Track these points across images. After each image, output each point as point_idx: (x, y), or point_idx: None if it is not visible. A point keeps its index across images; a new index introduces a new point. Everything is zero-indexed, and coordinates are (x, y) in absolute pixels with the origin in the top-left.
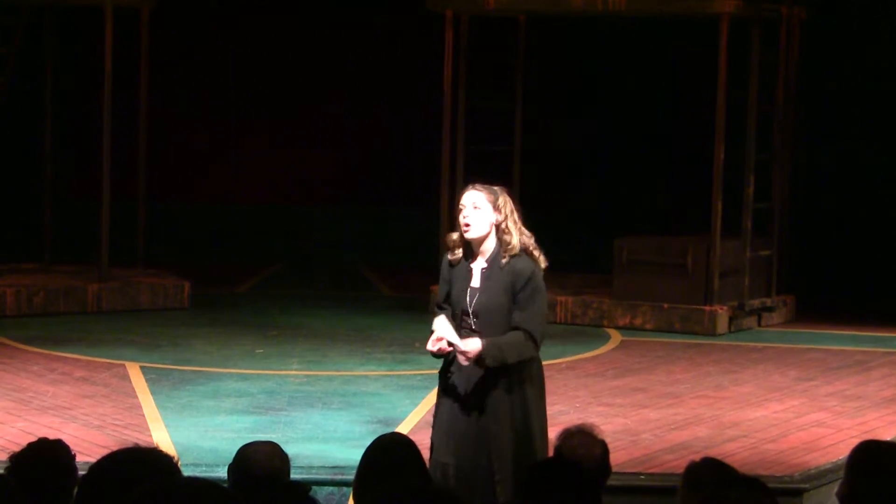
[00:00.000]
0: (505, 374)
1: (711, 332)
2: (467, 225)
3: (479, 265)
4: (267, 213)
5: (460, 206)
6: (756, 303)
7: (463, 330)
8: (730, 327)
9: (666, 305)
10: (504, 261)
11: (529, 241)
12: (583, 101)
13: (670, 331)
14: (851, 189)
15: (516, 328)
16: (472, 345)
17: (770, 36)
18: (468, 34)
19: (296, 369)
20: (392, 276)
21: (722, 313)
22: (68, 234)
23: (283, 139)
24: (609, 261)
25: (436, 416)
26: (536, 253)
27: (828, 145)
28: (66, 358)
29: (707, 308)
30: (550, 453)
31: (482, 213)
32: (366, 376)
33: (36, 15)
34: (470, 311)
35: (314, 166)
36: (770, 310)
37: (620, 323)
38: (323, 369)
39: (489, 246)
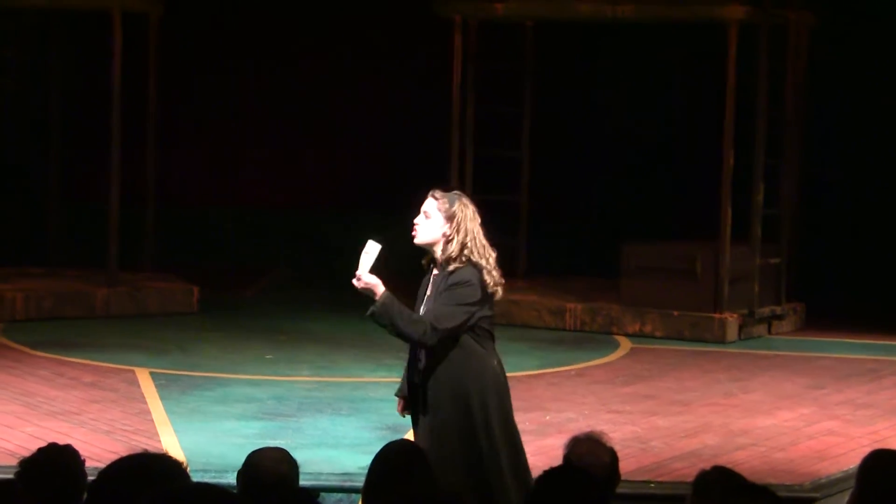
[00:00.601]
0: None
1: (721, 340)
2: (414, 233)
3: (433, 273)
4: (276, 217)
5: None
6: (766, 310)
7: None
8: (739, 335)
9: (675, 313)
10: (452, 267)
11: (472, 252)
12: (590, 106)
13: (679, 338)
14: (861, 195)
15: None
16: (372, 281)
17: (778, 41)
18: (476, 39)
19: (305, 375)
20: (400, 281)
21: (732, 321)
22: (76, 238)
23: (291, 143)
24: (617, 267)
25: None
26: (483, 263)
27: (837, 151)
28: (74, 363)
29: (717, 315)
30: (555, 460)
31: (431, 221)
32: (375, 382)
33: (44, 19)
34: None
35: (322, 171)
36: (780, 317)
37: (629, 330)
38: (332, 375)
39: (440, 255)
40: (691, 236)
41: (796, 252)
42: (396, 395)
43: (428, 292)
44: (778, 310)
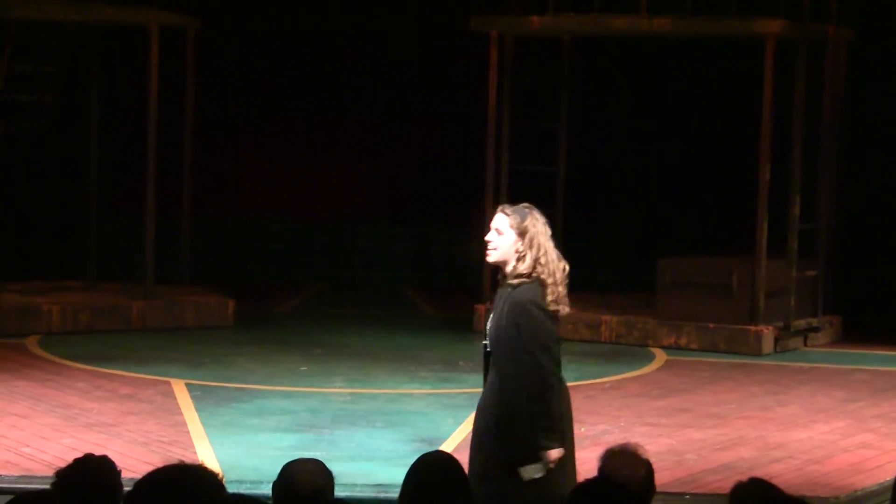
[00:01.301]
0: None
1: (757, 353)
2: (489, 250)
3: (501, 288)
4: (311, 232)
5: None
6: (802, 323)
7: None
8: (775, 348)
9: (711, 325)
10: (518, 282)
11: (541, 268)
12: (627, 121)
13: (715, 351)
14: None
15: (526, 358)
16: (552, 455)
17: (816, 56)
18: (513, 54)
19: (339, 387)
20: (436, 295)
21: (767, 334)
22: (113, 251)
23: (328, 157)
24: (653, 281)
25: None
26: (549, 282)
27: (874, 165)
28: (111, 375)
29: (752, 328)
30: (589, 472)
31: (504, 238)
32: (409, 395)
33: (83, 34)
34: (486, 342)
35: (359, 185)
36: (816, 330)
37: (665, 343)
38: (367, 388)
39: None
40: (728, 250)
41: (833, 265)
42: None
43: (497, 308)
44: (814, 322)
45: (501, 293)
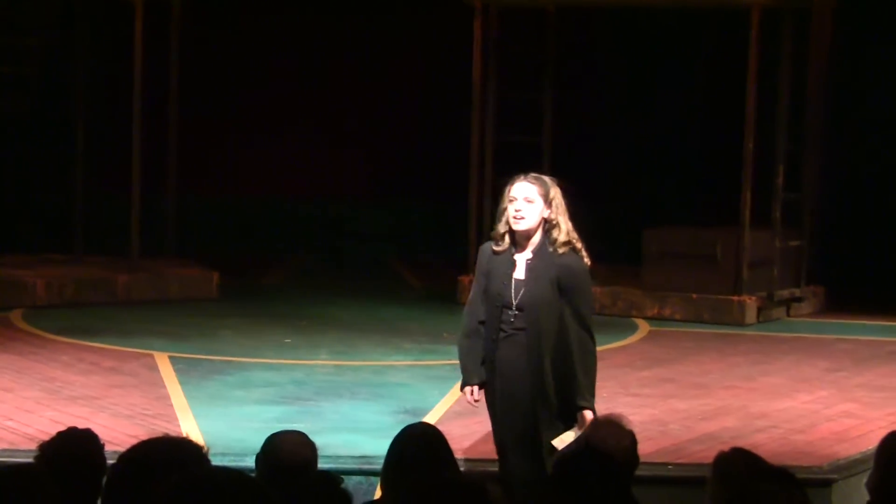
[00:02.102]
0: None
1: (740, 323)
2: (520, 218)
3: (523, 256)
4: (297, 205)
5: (510, 198)
6: (785, 293)
7: (503, 324)
8: (759, 318)
9: (695, 296)
10: (552, 254)
11: (574, 235)
12: (612, 93)
13: (699, 321)
14: (883, 179)
15: (574, 320)
16: (588, 419)
17: (801, 26)
18: (498, 25)
19: (324, 360)
20: (420, 267)
21: (751, 304)
22: (99, 225)
23: (313, 131)
24: (638, 252)
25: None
26: (580, 247)
27: (859, 135)
28: (95, 348)
29: (736, 298)
30: (577, 436)
31: (534, 206)
32: (394, 367)
33: (68, 8)
34: (514, 305)
35: (344, 158)
36: (799, 300)
37: (649, 313)
38: (351, 360)
39: (535, 239)
40: (713, 221)
41: (817, 235)
42: (471, 383)
43: (519, 276)
44: (797, 292)
45: (531, 263)
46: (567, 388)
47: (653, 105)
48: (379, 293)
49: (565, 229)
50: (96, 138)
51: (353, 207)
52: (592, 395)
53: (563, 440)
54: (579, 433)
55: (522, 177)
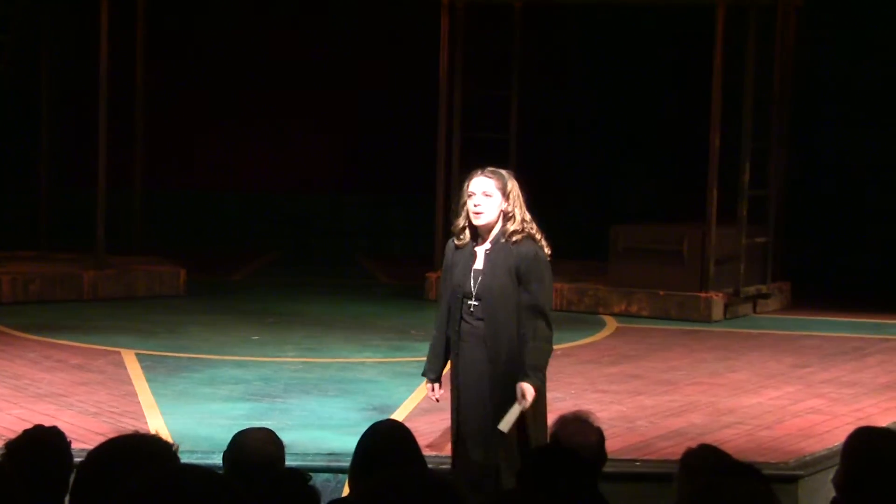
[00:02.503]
0: (494, 361)
1: (707, 319)
2: (478, 213)
3: (482, 248)
4: (264, 201)
5: (469, 193)
6: (752, 289)
7: (464, 315)
8: (725, 314)
9: (662, 292)
10: (507, 243)
11: (531, 225)
12: (578, 88)
13: (666, 317)
14: (848, 175)
15: (530, 307)
16: (528, 392)
17: (766, 22)
18: (464, 22)
19: (292, 356)
20: (389, 263)
21: (718, 300)
22: (65, 221)
23: (280, 126)
24: (605, 248)
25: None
26: (539, 237)
27: (824, 131)
28: (62, 345)
29: (703, 295)
30: (548, 439)
31: (493, 200)
32: (362, 363)
33: (33, 3)
34: (473, 294)
35: (311, 154)
36: (766, 296)
37: (616, 310)
38: (319, 356)
39: (495, 231)
40: (679, 217)
41: (783, 232)
42: (428, 377)
43: (479, 266)
44: (764, 289)
45: (489, 253)
46: (519, 361)
47: (619, 102)
48: (347, 289)
49: (519, 219)
50: (62, 134)
51: (321, 202)
52: (537, 373)
53: (507, 421)
54: (519, 408)
55: (480, 171)
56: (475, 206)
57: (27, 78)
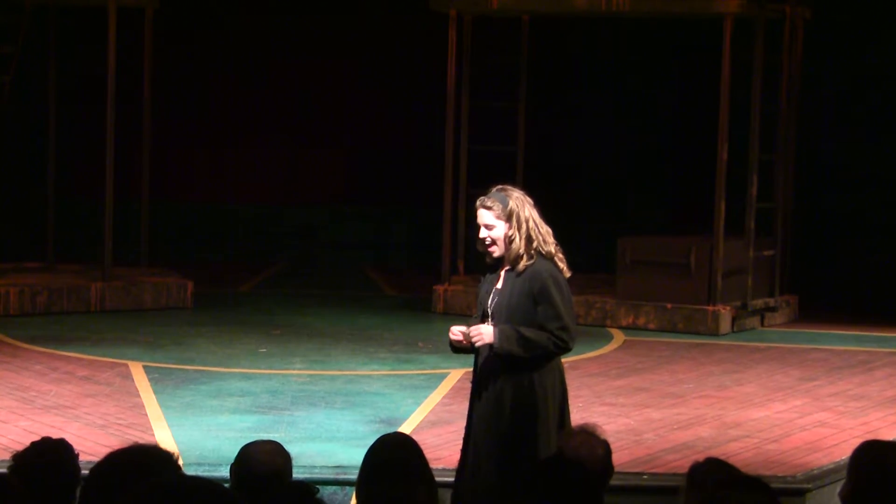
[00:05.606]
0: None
1: (714, 332)
2: (489, 248)
3: (505, 269)
4: (271, 213)
5: (477, 225)
6: (759, 303)
7: None
8: (733, 327)
9: (669, 305)
10: (523, 264)
11: (541, 240)
12: (586, 100)
13: (673, 331)
14: (855, 189)
15: (540, 327)
16: (484, 331)
17: (774, 35)
18: (472, 34)
19: (299, 369)
20: (395, 275)
21: (725, 313)
22: (72, 233)
23: (287, 139)
24: (612, 261)
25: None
26: (553, 251)
27: (832, 145)
28: (69, 357)
29: (710, 308)
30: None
31: (497, 230)
32: (369, 376)
33: (40, 14)
34: (489, 313)
35: (318, 166)
36: (773, 310)
37: (623, 323)
38: (326, 369)
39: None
40: (687, 230)
41: (790, 245)
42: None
43: (499, 286)
44: (771, 302)
45: (508, 276)
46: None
47: (627, 114)
48: (354, 302)
49: (521, 240)
50: (69, 145)
51: (328, 214)
52: (513, 341)
53: (454, 332)
54: (465, 329)
55: (479, 202)
56: (484, 241)
57: (34, 89)
